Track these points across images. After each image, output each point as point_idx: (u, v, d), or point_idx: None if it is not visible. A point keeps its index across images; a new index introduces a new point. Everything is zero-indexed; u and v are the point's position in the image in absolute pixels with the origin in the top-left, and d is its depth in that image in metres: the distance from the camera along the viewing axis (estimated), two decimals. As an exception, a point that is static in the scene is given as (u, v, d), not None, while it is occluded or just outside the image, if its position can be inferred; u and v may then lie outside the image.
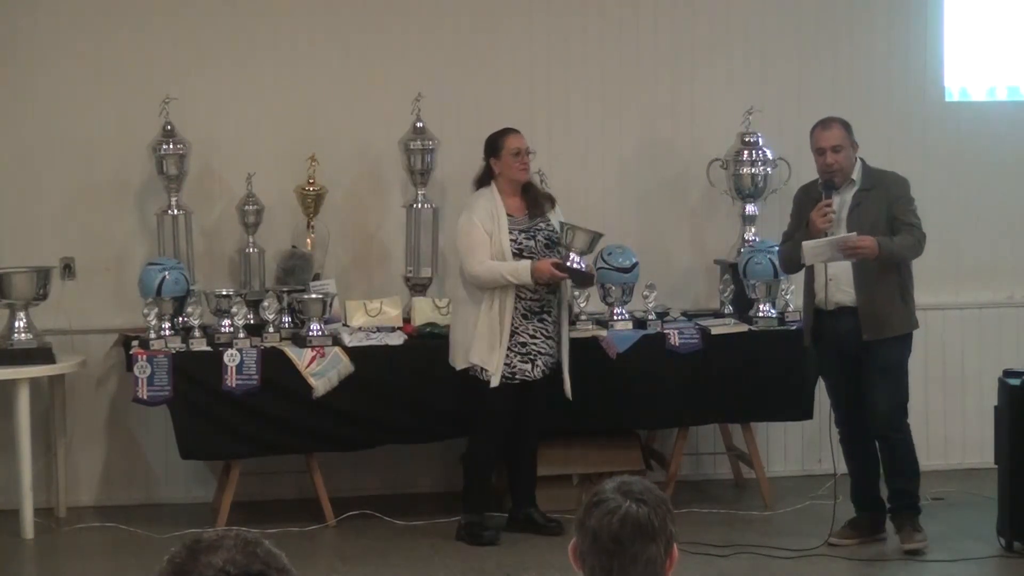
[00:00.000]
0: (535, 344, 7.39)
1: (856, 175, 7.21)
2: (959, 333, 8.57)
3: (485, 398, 7.33)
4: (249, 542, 2.21)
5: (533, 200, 7.50)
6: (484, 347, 7.30)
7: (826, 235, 7.05)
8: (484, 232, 7.33)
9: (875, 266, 7.07)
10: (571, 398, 7.48)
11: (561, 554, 6.99)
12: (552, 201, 7.61)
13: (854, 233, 7.02)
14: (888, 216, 7.13)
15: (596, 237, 7.42)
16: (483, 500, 7.55)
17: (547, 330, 7.43)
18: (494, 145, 7.47)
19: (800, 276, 7.42)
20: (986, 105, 9.11)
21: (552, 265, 7.30)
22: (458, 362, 7.43)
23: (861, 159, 7.27)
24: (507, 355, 7.30)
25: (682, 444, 8.13)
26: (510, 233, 7.36)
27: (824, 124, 7.26)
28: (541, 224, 7.48)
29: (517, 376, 7.35)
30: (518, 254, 7.34)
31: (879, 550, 7.23)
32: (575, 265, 7.37)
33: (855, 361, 7.18)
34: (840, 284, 7.16)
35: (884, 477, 7.32)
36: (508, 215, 7.40)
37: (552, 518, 7.58)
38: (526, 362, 7.36)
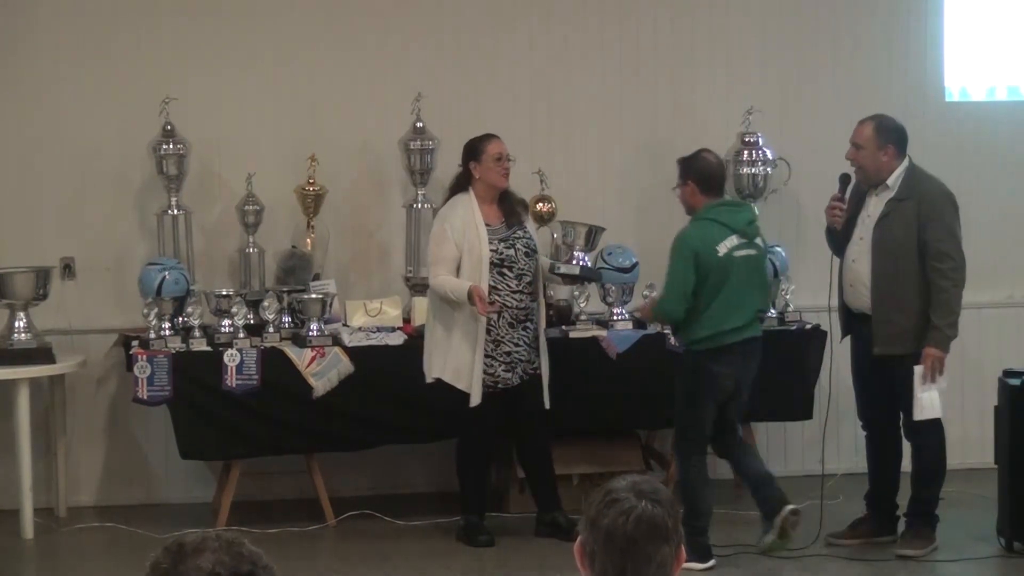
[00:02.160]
0: (518, 352, 7.34)
1: (893, 181, 7.05)
2: (959, 333, 8.53)
3: (469, 403, 7.29)
4: (232, 542, 2.20)
5: (510, 208, 7.42)
6: (458, 363, 7.23)
7: (831, 232, 7.06)
8: (454, 246, 7.25)
9: (893, 273, 6.99)
10: (548, 407, 7.41)
11: (561, 554, 7.01)
12: (526, 206, 7.58)
13: None
14: (919, 238, 6.94)
15: (596, 231, 7.40)
16: (479, 502, 7.52)
17: (528, 337, 7.39)
18: (475, 150, 7.38)
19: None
20: (986, 105, 9.10)
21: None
22: (431, 373, 7.36)
23: (911, 160, 7.12)
24: (491, 364, 7.25)
25: (682, 444, 8.12)
26: (490, 243, 7.30)
27: (863, 120, 7.15)
28: (519, 232, 7.41)
29: (500, 385, 7.31)
30: (499, 264, 7.29)
31: (879, 551, 7.22)
32: (580, 262, 7.35)
33: (883, 364, 7.12)
34: (859, 291, 7.10)
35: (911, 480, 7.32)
36: (486, 224, 7.33)
37: (577, 522, 7.50)
38: (508, 371, 7.32)
